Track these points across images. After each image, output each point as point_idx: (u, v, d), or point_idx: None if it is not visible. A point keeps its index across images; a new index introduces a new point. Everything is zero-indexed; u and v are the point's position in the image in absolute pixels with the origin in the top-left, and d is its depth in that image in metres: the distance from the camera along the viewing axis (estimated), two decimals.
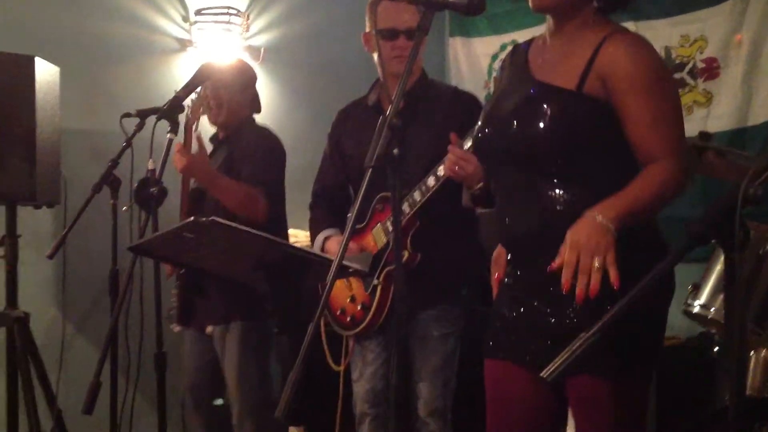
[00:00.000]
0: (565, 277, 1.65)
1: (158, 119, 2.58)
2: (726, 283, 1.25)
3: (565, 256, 1.67)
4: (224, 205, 3.03)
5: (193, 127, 3.10)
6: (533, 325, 1.91)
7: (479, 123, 2.07)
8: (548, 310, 1.88)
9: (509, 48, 2.28)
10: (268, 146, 3.25)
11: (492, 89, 2.15)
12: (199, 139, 3.04)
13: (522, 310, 1.95)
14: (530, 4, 1.93)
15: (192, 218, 2.01)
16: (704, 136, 2.68)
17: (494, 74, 2.21)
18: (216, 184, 3.06)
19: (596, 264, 1.64)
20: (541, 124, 1.86)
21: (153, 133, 2.58)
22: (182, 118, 2.65)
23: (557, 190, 1.87)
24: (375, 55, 2.84)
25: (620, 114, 1.84)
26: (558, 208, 1.87)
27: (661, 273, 1.31)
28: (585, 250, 1.65)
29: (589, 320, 1.35)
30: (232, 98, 3.23)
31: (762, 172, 1.23)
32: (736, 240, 1.23)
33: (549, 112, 1.87)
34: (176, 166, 3.02)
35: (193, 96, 3.06)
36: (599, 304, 1.64)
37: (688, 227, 1.31)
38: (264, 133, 3.30)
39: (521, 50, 2.08)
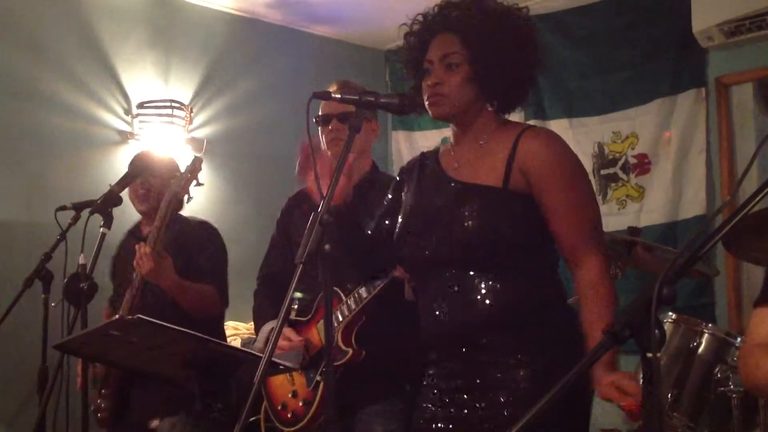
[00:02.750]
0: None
1: (91, 213, 2.56)
2: (643, 382, 1.26)
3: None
4: (179, 304, 2.89)
5: (161, 230, 2.84)
6: (463, 418, 1.91)
7: (399, 227, 2.09)
8: (479, 404, 1.90)
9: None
10: (217, 241, 3.14)
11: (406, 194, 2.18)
12: (159, 245, 2.84)
13: (451, 404, 1.94)
14: (430, 114, 2.00)
15: (117, 316, 1.98)
16: (633, 231, 2.75)
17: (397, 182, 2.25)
18: (178, 288, 2.90)
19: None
20: (470, 223, 1.91)
21: (85, 227, 2.55)
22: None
23: (484, 284, 1.91)
24: None
25: (543, 206, 1.91)
26: (486, 301, 1.91)
27: (579, 372, 1.32)
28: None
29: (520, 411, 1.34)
30: (163, 188, 2.97)
31: (674, 272, 1.26)
32: (652, 341, 1.23)
33: (476, 210, 1.92)
34: (141, 269, 2.81)
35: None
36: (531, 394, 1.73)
37: (606, 327, 1.32)
38: (207, 226, 3.19)
39: (430, 157, 2.14)
